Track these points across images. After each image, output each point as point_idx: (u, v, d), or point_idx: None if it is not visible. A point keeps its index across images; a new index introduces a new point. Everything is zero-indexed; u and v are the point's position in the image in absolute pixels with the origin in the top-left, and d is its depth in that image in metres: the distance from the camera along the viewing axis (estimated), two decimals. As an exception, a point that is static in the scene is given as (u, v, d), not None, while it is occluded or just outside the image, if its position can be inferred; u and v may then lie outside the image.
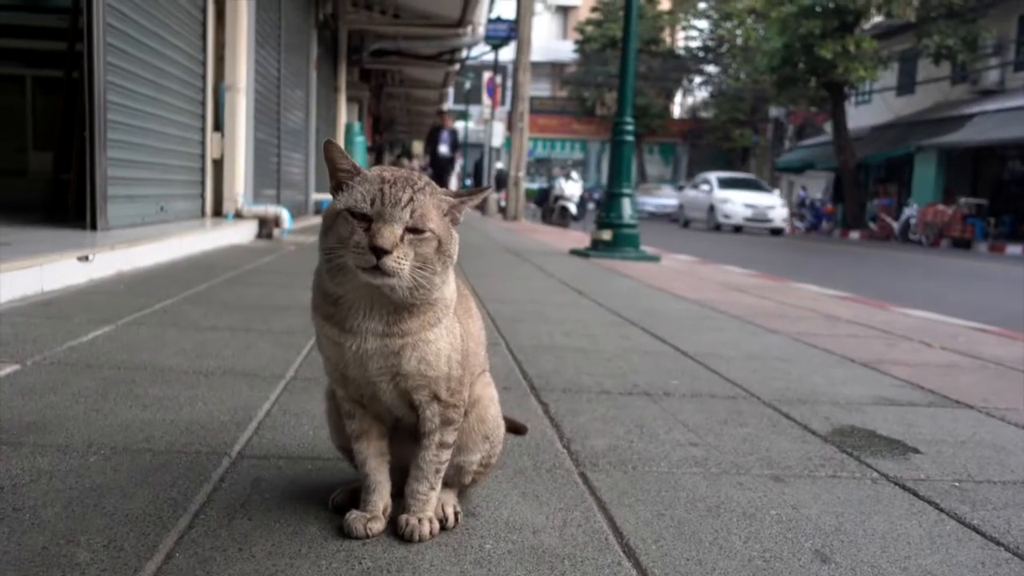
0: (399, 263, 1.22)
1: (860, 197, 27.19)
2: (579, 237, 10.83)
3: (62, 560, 1.23)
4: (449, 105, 35.93)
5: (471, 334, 1.45)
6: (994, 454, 2.10)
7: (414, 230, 1.24)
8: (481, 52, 23.44)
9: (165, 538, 1.33)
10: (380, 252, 1.20)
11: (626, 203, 8.39)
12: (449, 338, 1.36)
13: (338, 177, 1.30)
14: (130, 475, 1.59)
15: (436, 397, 1.37)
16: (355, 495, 1.46)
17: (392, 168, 1.32)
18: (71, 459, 1.65)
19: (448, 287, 1.35)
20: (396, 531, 1.39)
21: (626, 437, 2.07)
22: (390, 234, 1.21)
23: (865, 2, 23.23)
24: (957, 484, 1.85)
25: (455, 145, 18.25)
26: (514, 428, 1.77)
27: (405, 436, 1.45)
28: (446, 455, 1.42)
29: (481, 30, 17.90)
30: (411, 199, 1.24)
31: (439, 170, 17.18)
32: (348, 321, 1.31)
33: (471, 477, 1.52)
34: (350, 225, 1.24)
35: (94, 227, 5.11)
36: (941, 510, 1.68)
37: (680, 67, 45.04)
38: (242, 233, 7.44)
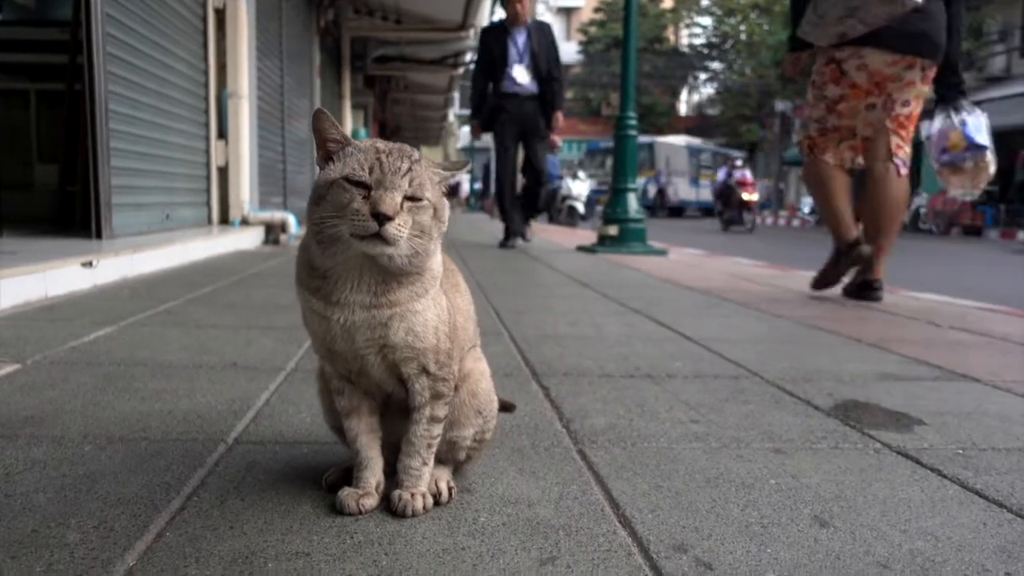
0: (400, 230, 1.21)
1: (869, 188, 26.99)
2: (587, 235, 10.79)
3: (51, 541, 1.22)
4: (456, 110, 35.70)
5: (459, 308, 1.44)
6: (999, 423, 2.07)
7: (412, 198, 1.24)
8: (485, 55, 23.38)
9: (156, 519, 1.32)
10: (383, 219, 1.20)
11: (631, 198, 8.38)
12: (436, 310, 1.35)
13: (327, 148, 1.29)
14: (124, 462, 1.58)
15: (425, 370, 1.36)
16: (348, 474, 1.45)
17: (384, 140, 1.31)
18: (66, 449, 1.65)
19: (435, 259, 1.35)
20: (389, 507, 1.38)
21: (626, 416, 2.05)
22: (392, 201, 1.21)
23: (868, -8, 23.07)
24: (960, 452, 1.82)
25: (549, 66, 8.02)
26: (503, 406, 1.74)
27: (396, 412, 1.44)
28: (437, 429, 1.41)
29: (483, 33, 17.92)
30: (409, 168, 1.25)
31: (515, 135, 8.28)
32: (335, 294, 1.30)
33: (465, 453, 1.50)
34: (348, 193, 1.22)
35: (99, 236, 5.14)
36: (944, 476, 1.65)
37: (685, 64, 45.11)
38: (248, 239, 7.46)
